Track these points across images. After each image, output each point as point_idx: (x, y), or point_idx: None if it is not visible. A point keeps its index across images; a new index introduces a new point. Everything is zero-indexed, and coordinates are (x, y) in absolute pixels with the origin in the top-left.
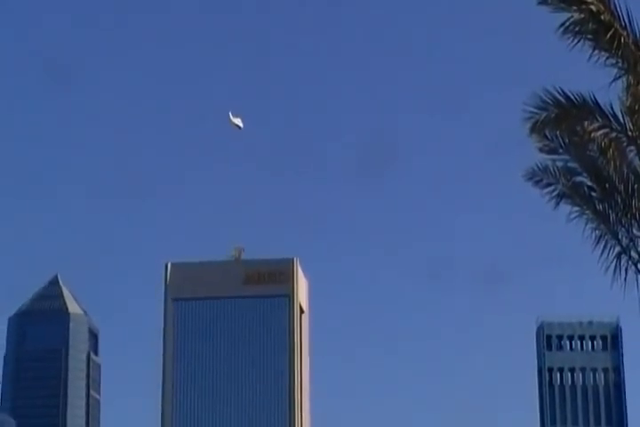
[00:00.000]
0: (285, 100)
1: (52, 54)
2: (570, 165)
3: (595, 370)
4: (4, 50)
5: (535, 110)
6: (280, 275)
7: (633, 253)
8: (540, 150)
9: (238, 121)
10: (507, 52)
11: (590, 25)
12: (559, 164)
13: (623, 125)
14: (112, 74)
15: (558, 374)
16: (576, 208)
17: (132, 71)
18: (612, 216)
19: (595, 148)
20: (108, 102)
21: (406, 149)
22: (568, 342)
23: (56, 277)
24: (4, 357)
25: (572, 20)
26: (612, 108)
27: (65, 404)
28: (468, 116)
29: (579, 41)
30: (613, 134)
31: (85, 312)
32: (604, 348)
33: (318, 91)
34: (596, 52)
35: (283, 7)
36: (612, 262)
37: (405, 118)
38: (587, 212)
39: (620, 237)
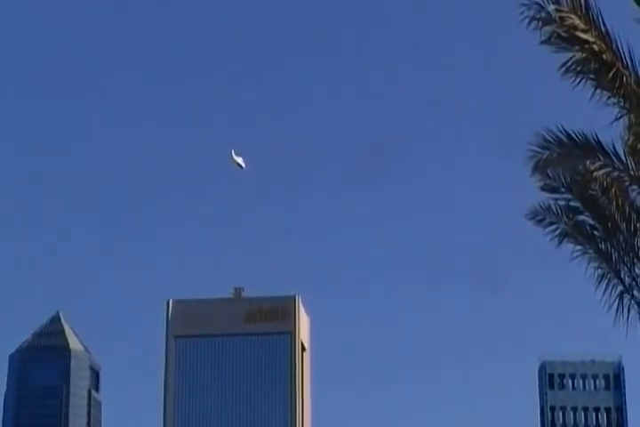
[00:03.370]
0: (280, 126)
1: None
2: (572, 203)
3: (597, 409)
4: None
5: (537, 149)
6: (281, 312)
7: (636, 293)
8: (542, 189)
9: (240, 160)
10: (508, 90)
11: (592, 64)
12: (561, 203)
13: (625, 165)
14: (112, 109)
15: (560, 413)
16: (578, 247)
17: (131, 105)
18: (615, 255)
19: (597, 187)
20: (106, 139)
21: (405, 154)
22: (570, 381)
23: (57, 313)
24: (5, 394)
25: (573, 59)
26: (614, 147)
27: None
28: (469, 118)
29: (580, 80)
30: (615, 173)
31: (87, 349)
32: (607, 387)
33: (315, 102)
34: (598, 91)
35: (279, 7)
36: (614, 301)
37: (405, 121)
38: (589, 251)
39: (622, 276)
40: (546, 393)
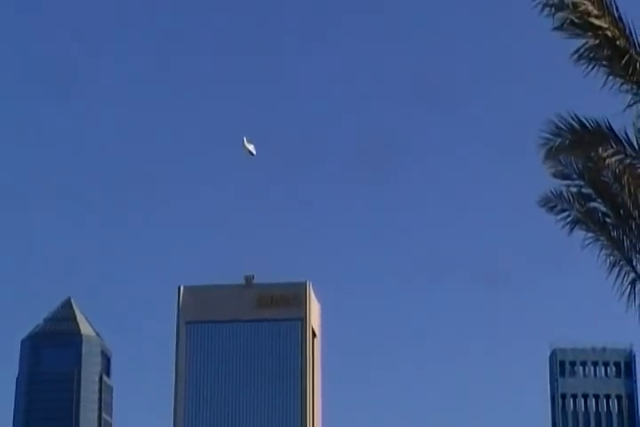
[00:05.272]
0: (288, 119)
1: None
2: (584, 190)
3: (608, 397)
4: (4, 56)
5: (550, 136)
6: (292, 298)
7: None
8: (554, 176)
9: (252, 147)
10: (520, 77)
11: (605, 51)
12: (573, 189)
13: (638, 152)
14: (119, 102)
15: (571, 401)
16: (590, 234)
17: (140, 99)
18: (627, 242)
19: (609, 174)
20: (119, 126)
21: (405, 152)
22: (581, 369)
23: (69, 299)
24: (17, 379)
25: (586, 46)
26: (626, 134)
27: (77, 426)
28: (470, 117)
29: (593, 67)
30: (628, 160)
31: (98, 334)
32: (618, 374)
33: (317, 100)
34: (611, 77)
35: (278, 8)
36: (626, 289)
37: (405, 120)
38: (601, 238)
39: (634, 263)
40: (557, 380)
